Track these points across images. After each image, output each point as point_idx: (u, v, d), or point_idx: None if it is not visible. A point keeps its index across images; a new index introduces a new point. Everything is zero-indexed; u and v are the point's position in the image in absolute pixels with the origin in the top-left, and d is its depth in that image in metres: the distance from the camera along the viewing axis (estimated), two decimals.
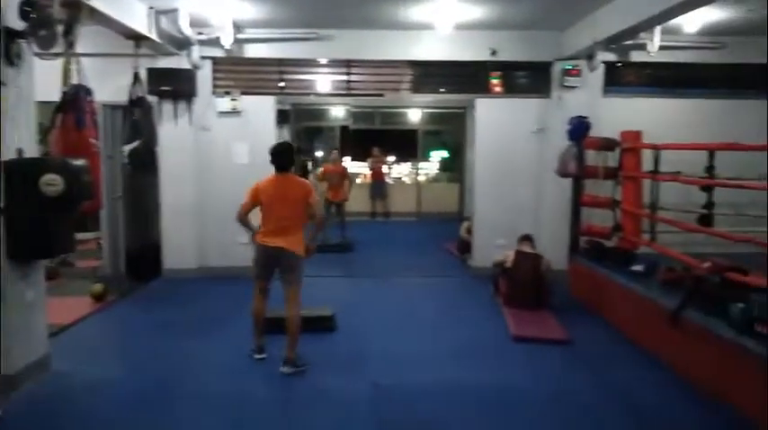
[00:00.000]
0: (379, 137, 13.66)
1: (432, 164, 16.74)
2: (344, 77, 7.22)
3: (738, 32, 6.83)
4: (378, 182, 13.12)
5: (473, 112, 7.56)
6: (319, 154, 14.43)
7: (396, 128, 14.07)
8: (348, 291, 6.52)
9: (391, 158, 17.78)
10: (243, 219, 4.24)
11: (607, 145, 5.96)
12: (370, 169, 13.27)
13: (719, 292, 3.95)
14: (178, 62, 6.65)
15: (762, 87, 7.27)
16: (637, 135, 5.91)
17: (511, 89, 7.15)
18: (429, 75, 7.27)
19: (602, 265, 5.70)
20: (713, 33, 6.82)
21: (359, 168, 15.50)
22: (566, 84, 6.80)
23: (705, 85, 7.49)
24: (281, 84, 7.18)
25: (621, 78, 7.38)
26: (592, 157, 6.14)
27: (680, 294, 4.20)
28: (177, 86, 6.67)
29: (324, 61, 7.21)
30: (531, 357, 4.46)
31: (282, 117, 10.50)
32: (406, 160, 15.47)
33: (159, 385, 3.84)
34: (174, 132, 6.79)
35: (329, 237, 8.86)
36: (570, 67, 6.77)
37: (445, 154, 15.92)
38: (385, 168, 13.66)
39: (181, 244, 6.89)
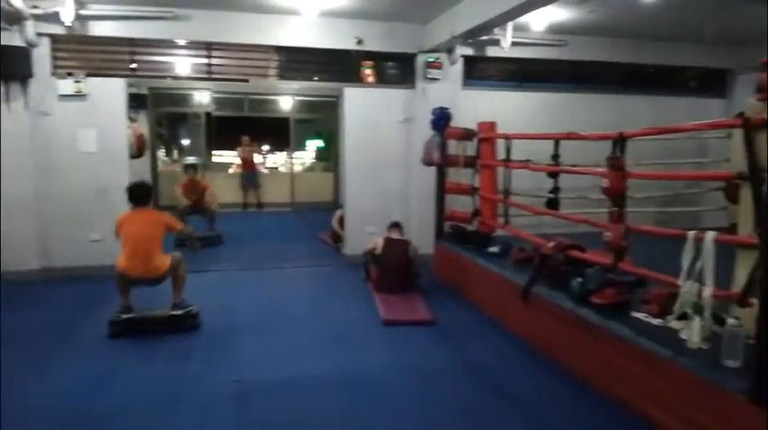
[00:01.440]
0: (248, 125, 13.19)
1: (308, 153, 16.60)
2: (205, 60, 6.84)
3: (579, 32, 7.57)
4: (249, 172, 12.71)
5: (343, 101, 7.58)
6: (185, 142, 13.65)
7: (266, 116, 13.65)
8: (216, 285, 6.25)
9: (265, 147, 17.36)
10: None
11: (466, 135, 6.30)
12: (241, 159, 12.81)
13: (562, 268, 4.37)
14: (9, 39, 5.86)
15: (598, 83, 8.16)
16: (492, 126, 6.32)
17: (379, 79, 7.26)
18: (297, 61, 7.14)
19: (464, 248, 6.04)
20: (558, 32, 7.48)
21: (228, 158, 14.94)
22: (428, 76, 7.05)
23: (551, 80, 8.21)
24: (133, 65, 6.61)
25: (479, 72, 7.84)
26: (453, 147, 6.45)
27: (529, 272, 4.59)
28: (9, 66, 5.89)
29: (182, 43, 6.76)
30: (400, 340, 4.60)
31: (138, 101, 9.73)
32: (280, 149, 15.16)
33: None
34: (6, 118, 6.00)
35: (195, 231, 8.40)
36: (432, 60, 7.03)
37: (321, 143, 15.85)
38: (257, 157, 13.26)
39: (20, 243, 6.13)
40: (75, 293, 5.71)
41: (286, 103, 13.20)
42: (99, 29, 6.26)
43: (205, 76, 6.97)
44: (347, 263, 7.09)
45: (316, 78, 7.40)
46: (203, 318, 4.79)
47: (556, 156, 5.35)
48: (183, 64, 6.87)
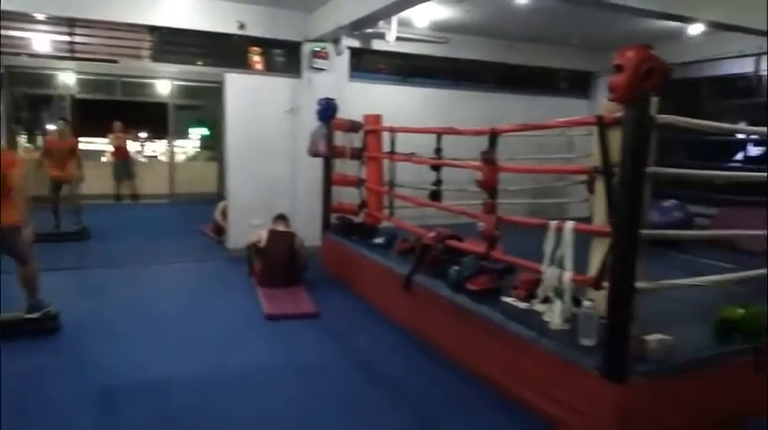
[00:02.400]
0: (122, 110, 12.22)
1: (192, 141, 15.75)
2: (67, 38, 6.21)
3: (459, 30, 7.86)
4: (122, 161, 11.80)
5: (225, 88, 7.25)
6: (52, 127, 12.34)
7: (142, 100, 12.70)
8: (80, 284, 5.73)
9: (143, 135, 16.20)
10: None
11: (352, 127, 6.31)
12: (113, 146, 11.85)
13: (441, 258, 4.54)
14: None
15: (477, 81, 8.54)
16: (377, 118, 6.39)
17: (267, 67, 7.05)
18: (174, 44, 6.71)
19: (350, 240, 6.06)
20: (440, 29, 7.71)
21: (101, 145, 13.76)
22: (315, 65, 6.96)
23: (434, 76, 8.48)
24: None
25: (366, 65, 7.89)
26: (340, 138, 6.43)
27: (412, 262, 4.70)
28: None
29: (41, 17, 6.08)
30: (283, 334, 4.51)
31: None
32: (160, 137, 14.22)
33: None
34: None
35: (59, 225, 7.67)
36: (318, 50, 6.94)
37: (205, 131, 15.11)
38: (131, 145, 12.34)
39: None
40: None
41: (164, 88, 12.37)
42: None
43: (67, 55, 6.32)
44: (230, 257, 6.82)
45: (200, 63, 7.01)
46: (65, 320, 4.37)
47: (438, 150, 5.53)
48: (41, 40, 6.17)
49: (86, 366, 3.75)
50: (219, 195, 11.18)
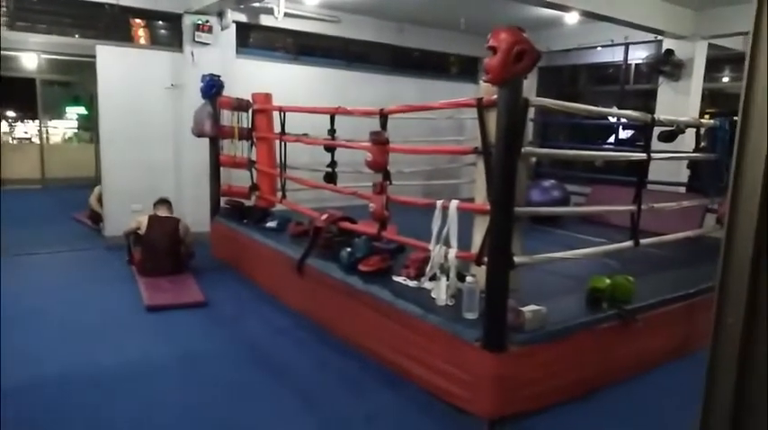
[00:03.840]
0: None
1: (69, 122, 14.34)
2: None
3: (351, 10, 7.76)
4: None
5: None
6: None
7: (4, 75, 11.32)
8: None
9: (11, 114, 14.53)
10: None
11: (240, 105, 6.02)
12: None
13: (335, 240, 4.49)
14: None
15: (370, 62, 8.51)
16: (267, 97, 6.15)
17: (145, 40, 6.53)
18: (35, 11, 6.02)
19: (241, 224, 5.83)
20: (331, 8, 7.56)
21: None
22: (197, 39, 6.53)
23: (327, 56, 8.34)
24: None
25: (254, 41, 7.58)
26: (227, 118, 6.13)
27: (305, 245, 4.61)
28: None
29: None
30: (167, 325, 4.27)
31: None
32: (32, 117, 12.80)
33: None
34: None
35: None
36: (201, 23, 6.52)
37: (83, 110, 13.82)
38: None
39: None
40: None
41: (30, 61, 11.12)
42: None
43: None
44: (109, 245, 6.32)
45: (76, 36, 6.32)
46: None
47: (332, 131, 5.43)
48: None
49: None
50: (97, 179, 10.34)
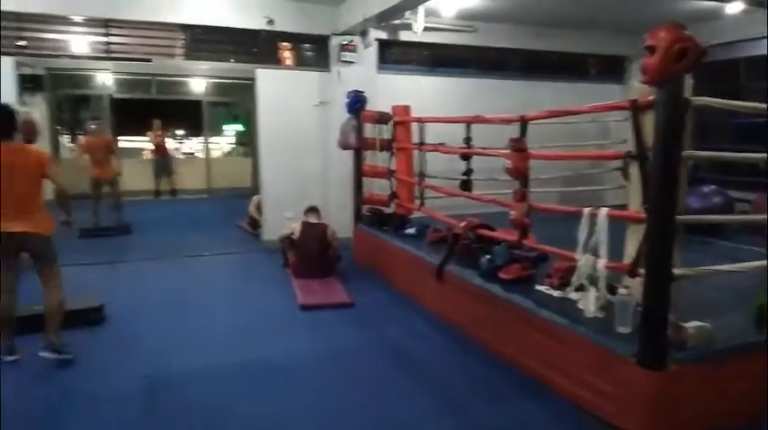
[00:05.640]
0: (158, 108, 12.53)
1: (226, 138, 16.06)
2: (103, 39, 6.40)
3: (487, 19, 7.76)
4: (161, 158, 12.12)
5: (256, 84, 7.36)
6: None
7: (177, 98, 12.99)
8: (122, 277, 5.95)
9: (180, 132, 16.63)
10: None
11: (381, 118, 6.33)
12: (153, 145, 12.18)
13: (473, 247, 4.53)
14: None
15: (505, 69, 8.42)
16: (406, 109, 6.39)
17: (296, 61, 7.13)
18: (205, 41, 6.84)
19: (382, 231, 6.10)
20: (467, 18, 7.62)
21: (140, 143, 14.19)
22: (343, 59, 6.99)
23: (462, 66, 8.40)
24: (22, 42, 6.07)
25: (394, 56, 7.88)
26: (369, 130, 6.46)
27: (443, 251, 4.71)
28: None
29: (78, 19, 6.29)
30: (317, 324, 4.59)
31: (35, 83, 9.00)
32: (196, 134, 14.56)
33: None
34: None
35: (101, 220, 7.94)
36: (346, 42, 6.97)
37: (240, 127, 15.37)
38: (170, 143, 12.66)
39: None
40: None
41: (198, 86, 12.64)
42: None
43: (103, 55, 6.52)
44: (265, 249, 6.95)
45: (232, 60, 7.13)
46: (108, 312, 4.54)
47: (468, 139, 5.50)
48: (78, 42, 6.39)
49: (128, 356, 3.89)
50: (254, 190, 11.39)
